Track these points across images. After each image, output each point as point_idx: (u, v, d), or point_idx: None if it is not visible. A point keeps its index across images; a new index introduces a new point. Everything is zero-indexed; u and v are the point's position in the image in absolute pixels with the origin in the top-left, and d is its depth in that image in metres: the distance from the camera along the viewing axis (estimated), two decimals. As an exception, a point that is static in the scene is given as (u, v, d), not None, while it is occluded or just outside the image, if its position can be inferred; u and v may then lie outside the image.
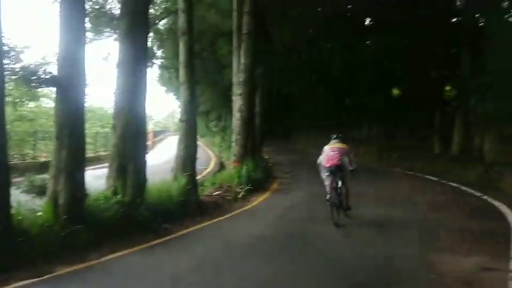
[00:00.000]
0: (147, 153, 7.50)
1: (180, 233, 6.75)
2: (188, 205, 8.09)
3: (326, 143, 7.82)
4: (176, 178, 8.67)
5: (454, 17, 18.86)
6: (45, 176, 7.37)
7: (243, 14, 13.10)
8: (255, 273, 4.80)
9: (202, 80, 23.76)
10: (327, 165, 7.40)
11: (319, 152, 7.95)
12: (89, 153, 19.28)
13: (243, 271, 4.86)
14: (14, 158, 14.45)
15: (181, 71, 9.36)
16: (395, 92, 23.31)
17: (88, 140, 20.46)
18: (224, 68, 18.96)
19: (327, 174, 7.47)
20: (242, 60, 13.13)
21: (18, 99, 18.92)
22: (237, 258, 5.45)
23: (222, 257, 5.52)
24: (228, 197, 9.92)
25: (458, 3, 16.97)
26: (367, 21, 23.67)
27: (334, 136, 7.89)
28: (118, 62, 7.19)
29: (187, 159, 9.03)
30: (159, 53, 24.43)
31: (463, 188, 11.51)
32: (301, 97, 29.65)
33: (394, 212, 8.49)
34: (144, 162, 7.25)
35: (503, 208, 8.41)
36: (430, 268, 4.90)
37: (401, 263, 5.11)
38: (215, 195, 9.95)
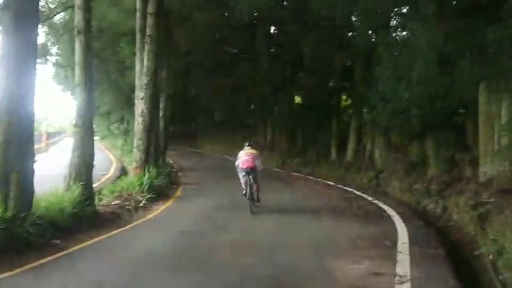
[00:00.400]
0: (35, 160, 6.76)
1: (72, 249, 6.18)
2: (83, 218, 7.49)
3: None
4: (70, 188, 7.96)
5: (350, 32, 20.39)
6: None
7: (146, 15, 12.60)
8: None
9: (103, 81, 22.42)
10: (244, 167, 9.30)
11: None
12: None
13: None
14: None
15: (77, 72, 8.64)
16: (298, 99, 24.47)
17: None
18: (127, 69, 18.04)
19: (243, 174, 9.35)
20: (145, 63, 12.59)
21: None
22: (131, 277, 5.11)
23: (115, 276, 5.12)
24: (128, 207, 9.41)
25: (354, 19, 18.30)
26: (272, 29, 24.52)
27: (247, 144, 9.88)
28: (0, 59, 6.37)
29: (83, 167, 8.33)
30: (54, 49, 22.53)
31: (357, 192, 12.39)
32: (207, 101, 29.58)
33: (294, 217, 8.81)
34: (32, 171, 6.52)
35: (391, 212, 9.20)
36: (323, 274, 5.12)
37: (296, 271, 5.25)
38: (114, 205, 9.38)
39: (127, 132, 27.58)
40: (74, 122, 8.80)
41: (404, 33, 13.92)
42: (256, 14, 20.33)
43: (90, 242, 6.65)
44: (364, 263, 5.53)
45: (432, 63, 7.16)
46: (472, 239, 7.04)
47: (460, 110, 11.25)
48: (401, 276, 4.87)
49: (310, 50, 20.14)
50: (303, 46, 20.71)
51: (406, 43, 9.21)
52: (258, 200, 9.37)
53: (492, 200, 6.61)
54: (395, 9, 13.60)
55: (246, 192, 9.22)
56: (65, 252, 6.02)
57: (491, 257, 5.53)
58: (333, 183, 14.48)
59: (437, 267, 5.33)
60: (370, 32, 17.61)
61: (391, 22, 14.40)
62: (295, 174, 17.70)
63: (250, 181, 9.17)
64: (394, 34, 15.08)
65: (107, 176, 15.20)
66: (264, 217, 8.90)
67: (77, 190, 7.77)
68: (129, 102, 19.42)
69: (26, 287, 4.72)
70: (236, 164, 9.66)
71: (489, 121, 8.11)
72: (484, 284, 5.18)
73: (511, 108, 6.57)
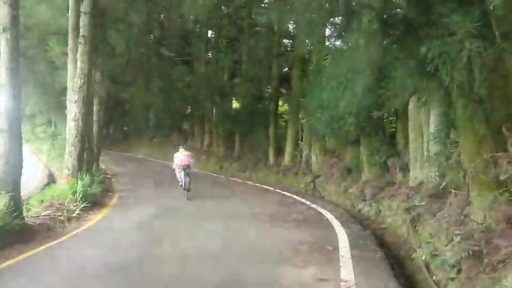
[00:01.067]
0: None
1: (-1, 267, 5.44)
2: (10, 231, 6.86)
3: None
4: (-7, 199, 6.86)
5: (288, 39, 20.88)
6: None
7: (80, 14, 11.89)
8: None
9: (29, 81, 20.78)
10: (181, 165, 11.95)
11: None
12: None
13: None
14: None
15: (3, 73, 7.90)
16: (235, 104, 24.57)
17: None
18: (57, 70, 16.86)
19: (179, 170, 12.06)
20: (79, 64, 11.84)
21: None
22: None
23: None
24: (61, 217, 8.78)
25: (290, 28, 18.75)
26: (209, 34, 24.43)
27: (182, 147, 12.83)
28: None
29: (10, 176, 7.62)
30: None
31: (295, 197, 12.66)
32: (141, 104, 28.63)
33: (235, 224, 8.78)
34: None
35: (329, 216, 9.51)
36: (269, 282, 5.15)
37: (240, 279, 5.23)
38: (44, 215, 8.69)
39: (55, 136, 25.73)
40: (-2, 127, 7.67)
41: (338, 43, 14.54)
42: (192, 17, 20.18)
43: (18, 258, 6.10)
44: (309, 268, 5.65)
45: (370, 75, 7.55)
46: (405, 240, 7.51)
47: (391, 118, 11.98)
48: (346, 281, 5.04)
49: (248, 55, 20.39)
50: (241, 52, 20.91)
51: (344, 53, 9.60)
52: (189, 190, 11.83)
53: (424, 203, 7.09)
54: (332, 20, 14.11)
55: (182, 184, 12.01)
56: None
57: (424, 258, 5.93)
58: (271, 188, 14.68)
59: (378, 270, 5.59)
60: (307, 40, 18.19)
61: (327, 32, 14.92)
62: (233, 179, 17.69)
63: (185, 176, 11.85)
64: (330, 44, 15.65)
65: (35, 184, 14.11)
66: (204, 224, 8.76)
67: (2, 201, 7.10)
68: (58, 105, 17.97)
69: None
70: (174, 162, 12.25)
71: (418, 129, 8.71)
72: (420, 284, 5.52)
73: (440, 117, 7.11)
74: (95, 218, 9.44)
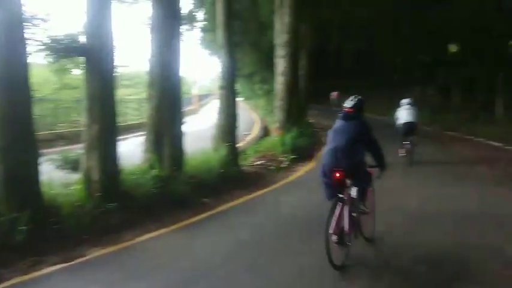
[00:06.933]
0: (183, 123, 7.27)
1: (220, 208, 6.39)
2: (228, 177, 7.71)
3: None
4: (216, 148, 8.47)
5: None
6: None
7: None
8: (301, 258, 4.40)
9: (244, 42, 22.09)
10: (403, 122, 9.56)
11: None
12: (134, 121, 17.62)
13: (287, 254, 4.52)
14: (62, 126, 14.50)
15: (220, 34, 8.93)
16: (452, 48, 21.86)
17: (134, 105, 19.47)
18: (266, 29, 17.22)
19: (402, 132, 9.58)
20: (285, 20, 12.36)
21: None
22: (277, 239, 5.00)
23: (264, 237, 5.07)
24: (271, 167, 9.52)
25: None
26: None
27: (407, 100, 9.90)
28: (151, 27, 6.91)
29: (228, 128, 8.82)
30: (199, 14, 24.15)
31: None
32: (348, 56, 30.93)
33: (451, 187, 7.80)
34: (181, 133, 6.96)
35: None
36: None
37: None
38: (257, 165, 9.64)
39: (269, 93, 24.47)
40: (218, 85, 9.15)
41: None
42: None
43: (237, 202, 6.79)
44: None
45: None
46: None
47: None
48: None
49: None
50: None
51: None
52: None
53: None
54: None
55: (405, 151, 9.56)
56: (214, 211, 6.19)
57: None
58: (499, 144, 12.34)
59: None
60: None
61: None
62: (450, 133, 15.63)
63: (409, 138, 9.49)
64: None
65: (251, 136, 15.01)
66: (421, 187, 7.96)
67: (223, 151, 8.06)
68: (269, 62, 16.58)
69: (183, 244, 4.91)
70: (395, 117, 9.90)
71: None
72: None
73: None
74: (303, 168, 9.74)
